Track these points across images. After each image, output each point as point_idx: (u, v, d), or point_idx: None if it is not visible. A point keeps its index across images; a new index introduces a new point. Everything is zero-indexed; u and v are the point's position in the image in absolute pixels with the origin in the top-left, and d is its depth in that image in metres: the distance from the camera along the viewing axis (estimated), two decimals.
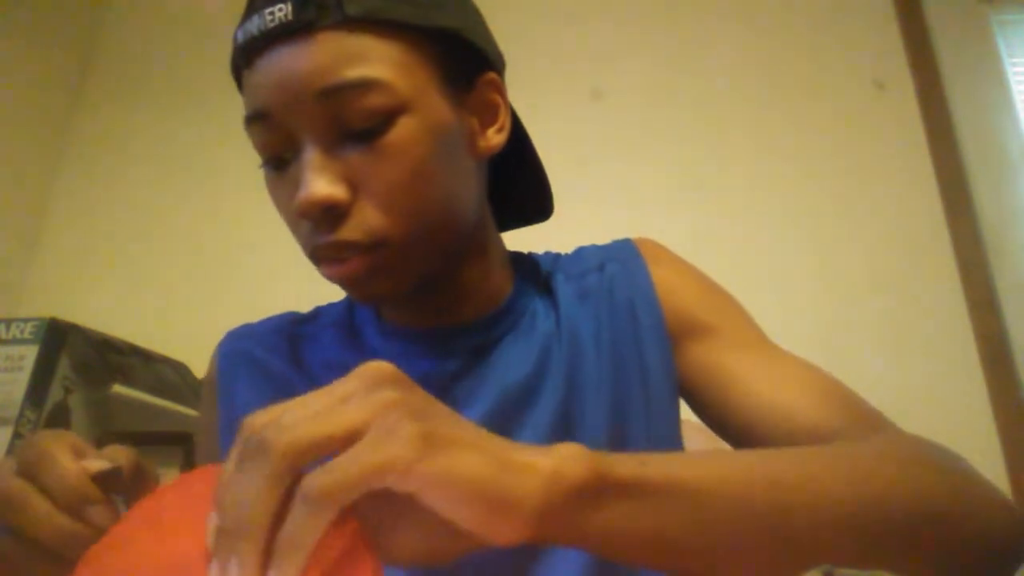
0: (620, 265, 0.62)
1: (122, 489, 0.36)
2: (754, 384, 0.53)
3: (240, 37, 0.50)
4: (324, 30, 0.46)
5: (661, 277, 0.61)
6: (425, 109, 0.48)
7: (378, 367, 0.32)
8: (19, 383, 1.16)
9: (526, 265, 0.64)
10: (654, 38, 1.60)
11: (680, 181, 1.48)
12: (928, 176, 1.40)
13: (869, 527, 0.36)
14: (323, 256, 0.49)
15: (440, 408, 0.32)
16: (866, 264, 1.36)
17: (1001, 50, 1.47)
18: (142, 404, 1.39)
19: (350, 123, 0.47)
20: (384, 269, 0.49)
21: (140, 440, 1.38)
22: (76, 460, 0.35)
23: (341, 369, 0.49)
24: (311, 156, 0.47)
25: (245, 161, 1.81)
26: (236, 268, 1.57)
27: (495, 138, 0.55)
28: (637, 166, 1.49)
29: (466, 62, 0.53)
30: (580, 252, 0.66)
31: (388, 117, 0.47)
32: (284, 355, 0.61)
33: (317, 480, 0.27)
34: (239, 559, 0.27)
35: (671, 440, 0.57)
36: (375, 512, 0.30)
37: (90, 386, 1.29)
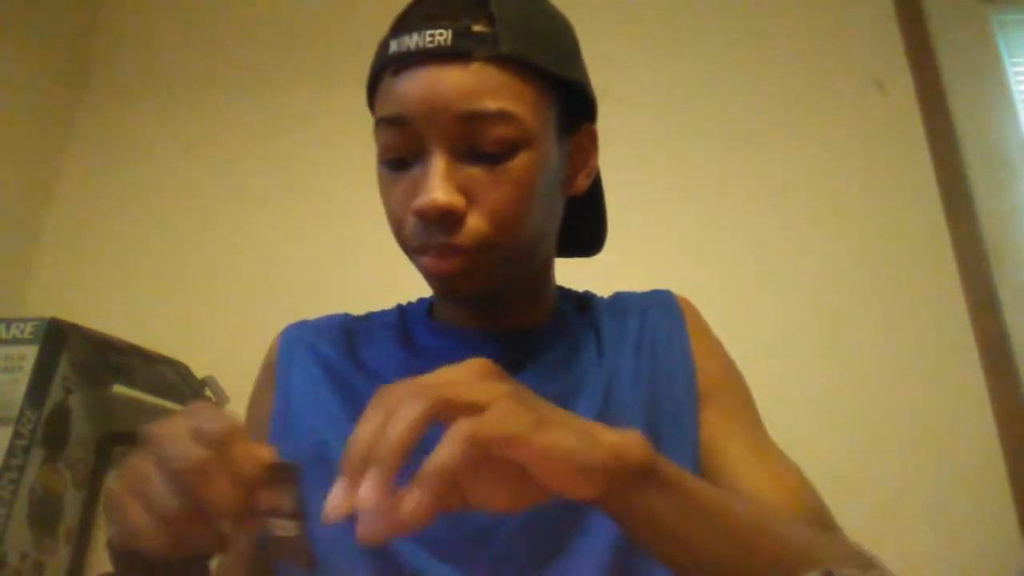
0: (662, 314, 0.67)
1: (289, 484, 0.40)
2: (739, 472, 0.58)
3: (394, 47, 0.55)
4: (477, 61, 0.52)
5: (697, 340, 0.65)
6: (542, 147, 0.55)
7: (486, 363, 0.40)
8: (19, 383, 1.16)
9: (569, 296, 0.71)
10: (658, 37, 1.60)
11: (681, 180, 1.48)
12: (928, 176, 1.40)
13: None
14: (428, 252, 0.55)
15: (537, 398, 0.40)
16: (866, 264, 1.36)
17: (1001, 50, 1.47)
18: (142, 404, 1.39)
19: (480, 144, 0.53)
20: (479, 271, 0.55)
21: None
22: (253, 442, 0.40)
23: (394, 363, 0.61)
24: (439, 165, 0.53)
25: (246, 161, 1.82)
26: (237, 268, 1.57)
27: (583, 182, 0.63)
28: (640, 164, 1.49)
29: (576, 111, 0.60)
30: (619, 295, 0.71)
31: (513, 147, 0.53)
32: (340, 348, 0.66)
33: (468, 426, 0.35)
34: (378, 472, 0.34)
35: None
36: (475, 471, 0.37)
37: (90, 386, 1.29)
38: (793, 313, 1.34)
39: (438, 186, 0.52)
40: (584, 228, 0.71)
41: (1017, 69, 1.46)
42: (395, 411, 0.35)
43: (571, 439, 0.37)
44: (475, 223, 0.53)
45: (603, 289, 0.74)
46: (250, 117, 1.70)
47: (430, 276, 0.56)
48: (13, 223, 1.61)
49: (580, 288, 0.74)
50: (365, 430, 0.35)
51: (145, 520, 0.37)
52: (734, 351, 0.68)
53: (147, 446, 0.39)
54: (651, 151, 1.50)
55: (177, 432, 0.38)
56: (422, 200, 0.52)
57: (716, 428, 0.60)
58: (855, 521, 1.17)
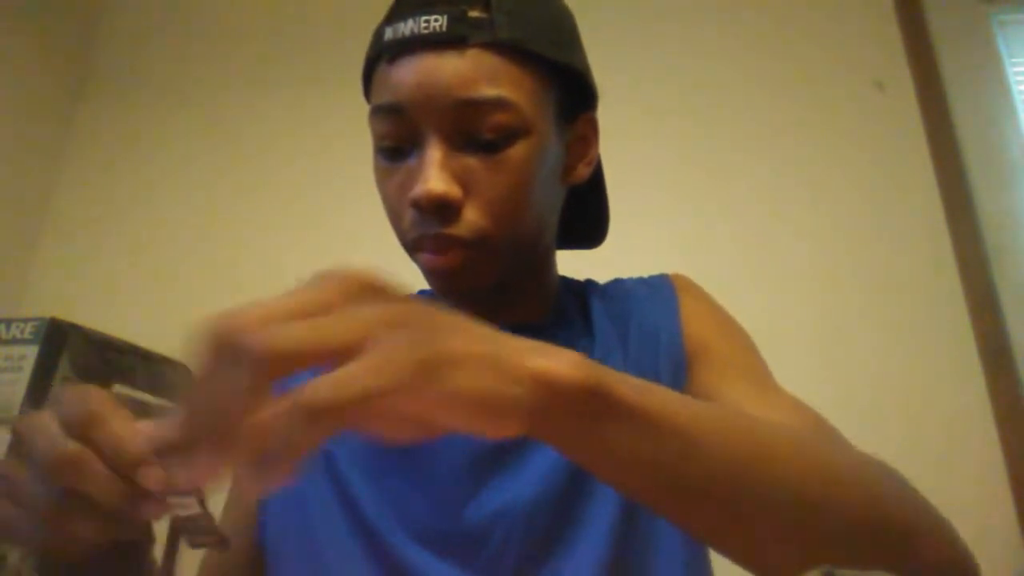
0: (652, 293, 0.65)
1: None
2: (739, 403, 0.54)
3: (389, 34, 0.54)
4: (473, 47, 0.51)
5: (687, 305, 0.64)
6: (541, 135, 0.54)
7: (355, 275, 0.30)
8: (19, 383, 1.16)
9: (571, 287, 0.70)
10: (654, 38, 1.60)
11: (679, 181, 1.48)
12: (928, 176, 1.40)
13: (834, 518, 0.37)
14: (425, 246, 0.53)
15: (429, 317, 0.31)
16: (866, 264, 1.36)
17: (1001, 50, 1.47)
18: (142, 404, 1.39)
19: (477, 132, 0.52)
20: (477, 266, 0.54)
21: None
22: (126, 421, 0.35)
23: None
24: (436, 154, 0.51)
25: (246, 160, 1.82)
26: (237, 267, 1.57)
27: (583, 170, 0.62)
28: (636, 166, 1.49)
29: (576, 99, 0.59)
30: (616, 281, 0.70)
31: (511, 135, 0.52)
32: None
33: (321, 394, 0.26)
34: (209, 459, 0.28)
35: None
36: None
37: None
38: (792, 313, 1.34)
39: (434, 175, 0.51)
40: (586, 220, 0.70)
41: (1017, 69, 1.46)
42: (225, 373, 0.27)
43: (475, 379, 0.29)
44: (472, 214, 0.52)
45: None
46: (251, 118, 1.70)
47: (429, 273, 0.56)
48: (13, 223, 1.61)
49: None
50: (197, 399, 0.29)
51: (18, 516, 0.35)
52: None
53: (13, 444, 0.37)
54: (649, 150, 1.50)
55: (43, 424, 0.36)
56: (418, 190, 0.51)
57: (710, 382, 0.58)
58: None
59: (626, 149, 1.51)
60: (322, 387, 0.26)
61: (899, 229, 1.37)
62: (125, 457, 0.34)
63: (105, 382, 1.36)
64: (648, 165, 1.49)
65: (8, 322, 1.21)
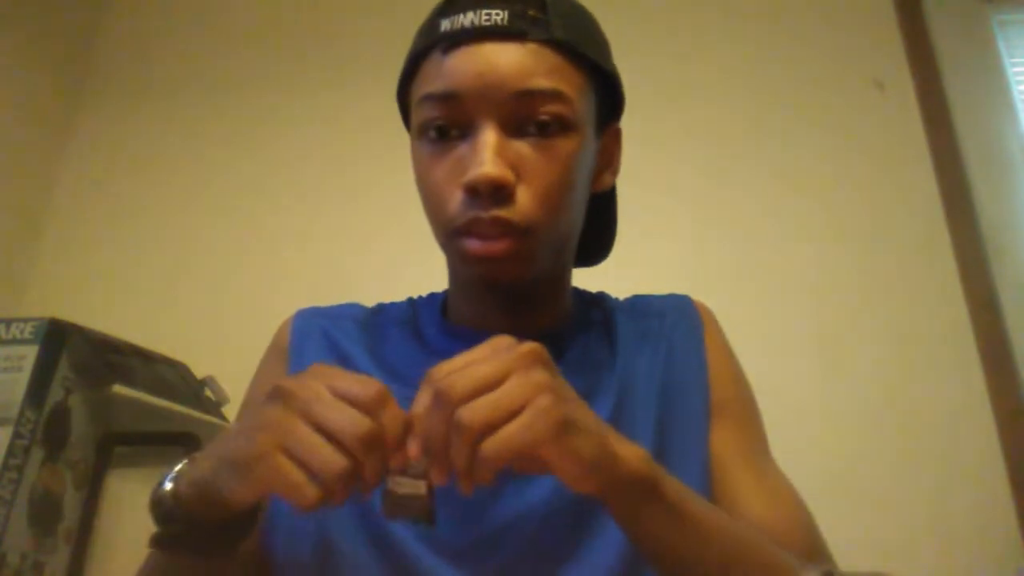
0: (679, 320, 0.66)
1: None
2: (739, 492, 0.59)
3: (446, 25, 0.56)
4: (533, 42, 0.54)
5: (713, 351, 0.65)
6: (584, 134, 0.57)
7: (533, 349, 0.42)
8: (19, 383, 1.16)
9: (584, 297, 0.70)
10: (653, 38, 1.60)
11: (679, 182, 1.48)
12: (928, 176, 1.40)
13: None
14: (476, 230, 0.54)
15: (571, 391, 0.43)
16: (866, 264, 1.36)
17: (1001, 50, 1.47)
18: (142, 404, 1.39)
19: (530, 122, 0.54)
20: (523, 256, 0.55)
21: (140, 440, 1.38)
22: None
23: (415, 365, 0.59)
24: (491, 139, 0.53)
25: (245, 160, 1.82)
26: (237, 268, 1.57)
27: (608, 179, 0.65)
28: (635, 169, 1.49)
29: (609, 109, 0.62)
30: (638, 298, 0.71)
31: (562, 127, 0.55)
32: (355, 339, 0.66)
33: (491, 444, 0.38)
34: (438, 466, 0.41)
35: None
36: None
37: (90, 386, 1.29)
38: (793, 314, 1.34)
39: (490, 159, 0.52)
40: (594, 235, 0.70)
41: (1017, 69, 1.47)
42: (434, 414, 0.39)
43: (591, 447, 0.41)
44: (525, 200, 0.54)
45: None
46: (251, 120, 1.70)
47: (475, 261, 0.55)
48: (13, 223, 1.61)
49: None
50: (420, 418, 0.41)
51: (302, 478, 0.39)
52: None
53: (289, 403, 0.40)
54: (645, 153, 1.50)
55: (323, 394, 0.40)
56: (474, 173, 0.52)
57: (724, 444, 0.60)
58: (855, 521, 1.17)
59: (623, 152, 1.51)
60: (500, 438, 0.39)
61: (899, 229, 1.38)
62: (398, 437, 0.41)
63: (105, 382, 1.36)
64: (645, 167, 1.49)
65: (8, 322, 1.22)
